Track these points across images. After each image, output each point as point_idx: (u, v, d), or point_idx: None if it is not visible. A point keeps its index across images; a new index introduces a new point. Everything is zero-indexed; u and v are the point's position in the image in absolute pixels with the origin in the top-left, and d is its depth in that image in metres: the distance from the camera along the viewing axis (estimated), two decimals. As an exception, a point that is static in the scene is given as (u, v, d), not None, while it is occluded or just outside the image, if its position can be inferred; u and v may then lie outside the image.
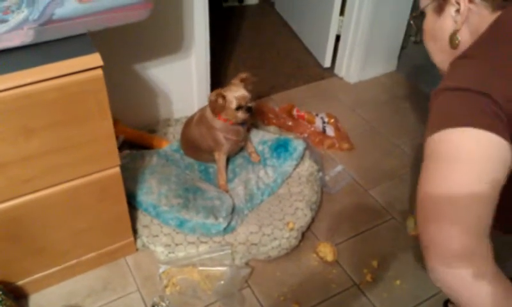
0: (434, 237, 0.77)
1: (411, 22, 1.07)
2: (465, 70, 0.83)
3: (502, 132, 0.76)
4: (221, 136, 1.79)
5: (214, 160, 1.88)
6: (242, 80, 1.78)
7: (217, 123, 1.78)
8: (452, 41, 0.92)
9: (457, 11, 0.89)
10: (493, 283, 0.74)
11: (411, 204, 1.92)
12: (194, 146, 1.90)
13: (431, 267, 0.78)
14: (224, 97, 1.72)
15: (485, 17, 0.87)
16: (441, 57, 0.97)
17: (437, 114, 0.83)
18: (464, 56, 0.87)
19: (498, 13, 0.86)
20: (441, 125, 0.79)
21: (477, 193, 0.75)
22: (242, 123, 1.81)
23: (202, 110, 1.86)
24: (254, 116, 2.23)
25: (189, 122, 1.91)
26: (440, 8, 0.92)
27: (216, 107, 1.73)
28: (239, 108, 1.73)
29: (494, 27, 0.85)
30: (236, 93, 1.73)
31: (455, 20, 0.90)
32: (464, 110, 0.78)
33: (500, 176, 0.77)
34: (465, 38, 0.90)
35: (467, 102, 0.78)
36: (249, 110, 1.74)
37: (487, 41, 0.85)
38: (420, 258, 1.69)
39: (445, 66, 0.94)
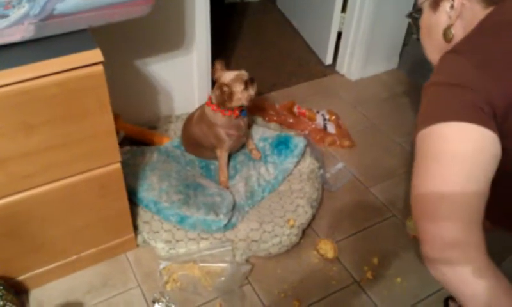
0: (429, 232, 0.80)
1: (410, 19, 1.07)
2: (454, 64, 0.85)
3: (488, 124, 0.77)
4: (222, 132, 1.78)
5: (215, 157, 1.88)
6: (222, 68, 1.76)
7: (219, 119, 1.77)
8: (446, 35, 0.93)
9: (452, 6, 0.91)
10: (485, 273, 0.77)
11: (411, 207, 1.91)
12: (196, 144, 1.89)
13: (426, 259, 0.81)
14: (227, 85, 1.68)
15: (477, 13, 0.88)
16: (435, 52, 0.98)
17: (426, 109, 0.84)
18: (453, 51, 0.88)
19: (490, 9, 0.87)
20: (431, 119, 0.80)
21: (468, 188, 0.77)
22: (242, 111, 1.79)
23: (202, 107, 1.85)
24: (255, 112, 2.23)
25: (189, 120, 1.90)
26: (436, 4, 0.94)
27: (225, 97, 1.68)
28: (246, 86, 1.70)
29: (483, 23, 0.88)
30: (232, 77, 1.71)
31: (449, 16, 0.92)
32: (453, 105, 0.79)
33: (491, 169, 0.79)
34: (459, 33, 0.92)
35: (456, 97, 0.80)
36: (252, 81, 1.72)
37: (475, 36, 0.87)
38: (420, 255, 1.69)
39: (438, 61, 0.95)
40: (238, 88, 1.70)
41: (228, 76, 1.72)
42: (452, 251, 0.77)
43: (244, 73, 1.73)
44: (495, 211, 0.85)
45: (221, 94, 1.68)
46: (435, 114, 0.81)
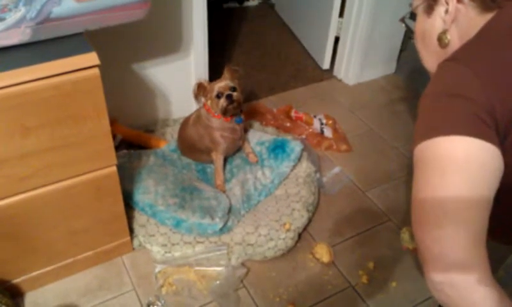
0: (431, 246, 0.76)
1: (403, 24, 1.06)
2: (453, 73, 0.82)
3: (490, 138, 0.74)
4: (217, 135, 1.79)
5: (211, 161, 1.89)
6: (231, 72, 1.80)
7: (213, 121, 1.79)
8: (441, 40, 0.90)
9: (447, 11, 0.88)
10: (489, 293, 0.73)
11: (406, 216, 1.91)
12: (192, 147, 1.90)
13: (428, 276, 0.76)
14: (204, 86, 1.76)
15: (473, 19, 0.86)
16: (430, 58, 0.96)
17: (425, 120, 0.81)
18: (452, 59, 0.84)
19: (487, 15, 0.85)
20: (431, 132, 0.77)
21: (472, 202, 0.74)
22: (235, 116, 1.81)
23: (198, 110, 1.87)
24: (252, 117, 2.23)
25: (185, 123, 1.91)
26: (430, 8, 0.92)
27: (197, 95, 1.78)
28: (218, 96, 1.74)
29: (483, 31, 0.84)
30: (219, 83, 1.76)
31: (444, 20, 0.90)
32: (454, 117, 0.77)
33: (494, 184, 0.76)
34: (454, 39, 0.89)
35: (456, 108, 0.77)
36: (228, 97, 1.73)
37: (475, 45, 0.84)
38: (416, 260, 1.69)
39: (433, 68, 0.92)
40: (212, 94, 1.75)
41: (219, 82, 1.77)
42: (457, 272, 0.74)
43: (227, 86, 1.75)
44: (501, 226, 0.82)
45: (194, 90, 1.77)
46: (435, 127, 0.77)
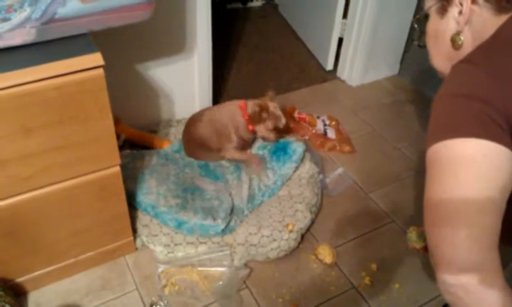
0: (444, 248, 0.76)
1: (415, 24, 1.05)
2: (469, 75, 0.81)
3: (505, 140, 0.74)
4: (234, 134, 1.88)
5: (220, 158, 1.92)
6: (272, 98, 1.90)
7: (241, 124, 1.87)
8: (455, 41, 0.89)
9: (460, 12, 0.87)
10: (501, 296, 0.73)
11: (410, 217, 1.91)
12: (200, 146, 1.90)
13: (440, 278, 0.76)
14: (268, 112, 1.82)
15: (487, 20, 0.85)
16: (441, 59, 0.95)
17: (439, 121, 0.80)
18: (466, 61, 0.84)
19: (502, 17, 0.84)
20: (446, 134, 0.77)
21: (485, 206, 0.74)
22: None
23: (211, 111, 1.93)
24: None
25: (193, 121, 1.91)
26: (443, 9, 0.90)
27: (258, 118, 1.82)
28: (273, 128, 1.85)
29: (498, 33, 0.83)
30: (276, 113, 1.84)
31: (457, 21, 0.89)
32: (469, 120, 0.76)
33: (506, 186, 0.75)
34: (467, 40, 0.88)
35: (472, 111, 0.76)
36: (279, 131, 1.88)
37: (490, 47, 0.83)
38: (422, 261, 1.69)
39: (444, 69, 0.92)
40: (268, 124, 1.83)
41: (274, 108, 1.84)
42: (469, 274, 0.74)
43: (282, 120, 1.86)
44: (503, 227, 0.82)
45: (256, 114, 1.81)
46: (449, 129, 0.77)
